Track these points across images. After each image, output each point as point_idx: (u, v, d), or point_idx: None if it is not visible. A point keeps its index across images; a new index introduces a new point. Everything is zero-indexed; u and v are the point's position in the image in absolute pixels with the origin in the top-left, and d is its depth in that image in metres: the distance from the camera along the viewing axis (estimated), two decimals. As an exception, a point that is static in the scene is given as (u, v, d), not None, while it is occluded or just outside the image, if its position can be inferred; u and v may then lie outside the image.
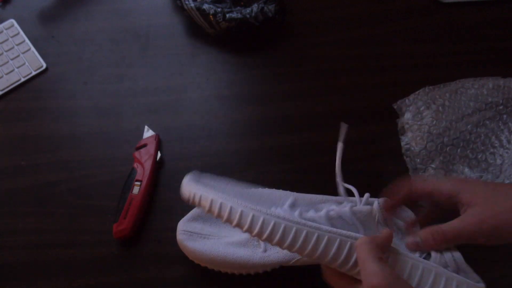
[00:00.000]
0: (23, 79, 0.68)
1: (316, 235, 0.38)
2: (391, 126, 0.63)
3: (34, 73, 0.69)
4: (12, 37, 0.71)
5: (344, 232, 0.38)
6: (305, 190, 0.51)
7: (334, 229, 0.38)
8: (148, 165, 0.59)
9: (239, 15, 0.67)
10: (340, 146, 0.45)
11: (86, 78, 0.68)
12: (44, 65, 0.69)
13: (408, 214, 0.45)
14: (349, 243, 0.38)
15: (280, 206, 0.45)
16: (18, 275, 0.55)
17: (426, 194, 0.42)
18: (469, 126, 0.61)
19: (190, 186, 0.41)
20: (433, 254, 0.40)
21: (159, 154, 0.61)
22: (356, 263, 0.38)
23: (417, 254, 0.40)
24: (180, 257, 0.54)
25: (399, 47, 0.70)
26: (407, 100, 0.64)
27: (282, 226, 0.38)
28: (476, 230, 0.38)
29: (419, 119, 0.62)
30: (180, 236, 0.52)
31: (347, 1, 0.74)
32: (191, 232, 0.52)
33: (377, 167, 0.61)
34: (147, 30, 0.72)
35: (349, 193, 0.46)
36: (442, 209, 0.42)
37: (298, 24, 0.72)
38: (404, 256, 0.38)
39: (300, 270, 0.51)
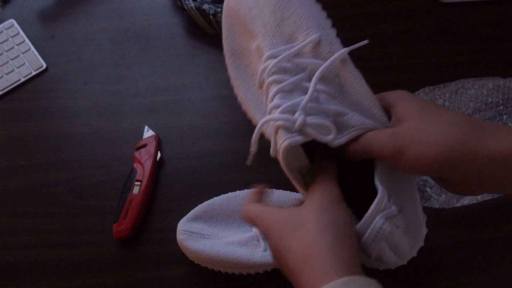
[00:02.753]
0: (23, 79, 0.68)
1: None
2: (391, 126, 0.63)
3: (34, 73, 0.69)
4: (12, 37, 0.71)
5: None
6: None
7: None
8: (148, 165, 0.59)
9: (239, 15, 0.67)
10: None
11: (86, 78, 0.68)
12: (44, 65, 0.69)
13: None
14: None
15: (300, 39, 0.36)
16: (18, 275, 0.55)
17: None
18: (469, 126, 0.61)
19: None
20: None
21: (159, 154, 0.61)
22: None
23: None
24: (180, 257, 0.54)
25: (399, 47, 0.70)
26: (407, 100, 0.64)
27: None
28: (384, 144, 0.34)
29: (419, 119, 0.62)
30: (180, 236, 0.52)
31: (347, 1, 0.74)
32: (191, 232, 0.52)
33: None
34: (147, 30, 0.72)
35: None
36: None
37: (298, 24, 0.72)
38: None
39: (300, 270, 0.51)
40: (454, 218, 0.56)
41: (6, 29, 0.72)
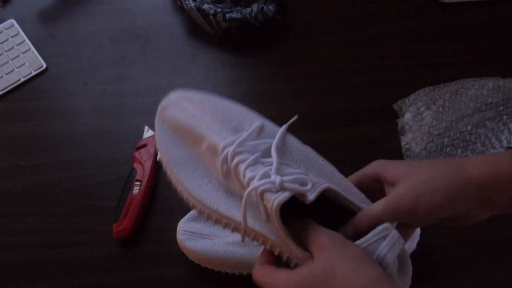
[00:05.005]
0: (23, 79, 0.68)
1: (232, 226, 0.40)
2: (391, 126, 0.63)
3: (34, 73, 0.69)
4: (12, 37, 0.71)
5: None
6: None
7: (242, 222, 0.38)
8: (148, 165, 0.59)
9: (239, 15, 0.67)
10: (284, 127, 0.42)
11: (86, 78, 0.68)
12: (44, 65, 0.69)
13: None
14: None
15: (246, 129, 0.42)
16: (18, 275, 0.55)
17: (353, 182, 0.40)
18: (469, 127, 0.61)
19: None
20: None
21: (159, 154, 0.61)
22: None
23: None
24: (180, 257, 0.54)
25: (399, 47, 0.70)
26: (407, 100, 0.64)
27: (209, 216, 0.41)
28: (398, 208, 0.36)
29: (419, 119, 0.62)
30: (180, 236, 0.52)
31: (347, 1, 0.74)
32: (191, 232, 0.52)
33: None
34: (147, 30, 0.72)
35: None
36: (370, 192, 0.40)
37: (298, 24, 0.72)
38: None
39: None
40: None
41: (6, 29, 0.72)
